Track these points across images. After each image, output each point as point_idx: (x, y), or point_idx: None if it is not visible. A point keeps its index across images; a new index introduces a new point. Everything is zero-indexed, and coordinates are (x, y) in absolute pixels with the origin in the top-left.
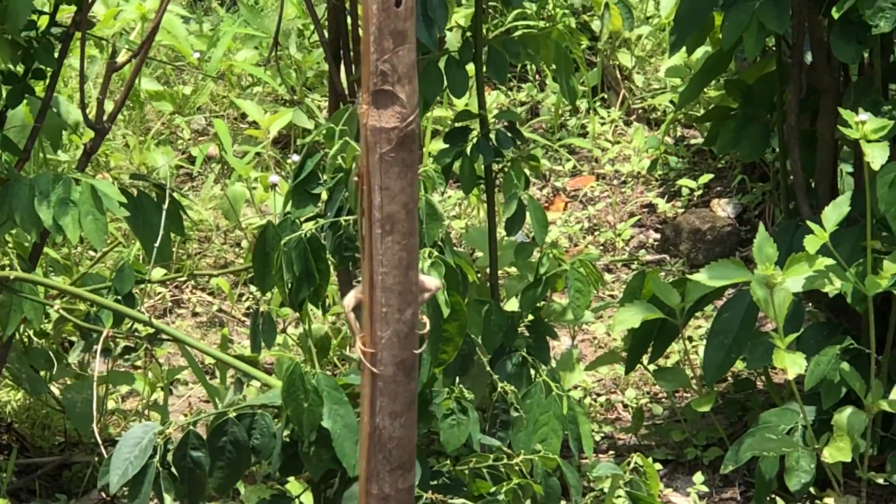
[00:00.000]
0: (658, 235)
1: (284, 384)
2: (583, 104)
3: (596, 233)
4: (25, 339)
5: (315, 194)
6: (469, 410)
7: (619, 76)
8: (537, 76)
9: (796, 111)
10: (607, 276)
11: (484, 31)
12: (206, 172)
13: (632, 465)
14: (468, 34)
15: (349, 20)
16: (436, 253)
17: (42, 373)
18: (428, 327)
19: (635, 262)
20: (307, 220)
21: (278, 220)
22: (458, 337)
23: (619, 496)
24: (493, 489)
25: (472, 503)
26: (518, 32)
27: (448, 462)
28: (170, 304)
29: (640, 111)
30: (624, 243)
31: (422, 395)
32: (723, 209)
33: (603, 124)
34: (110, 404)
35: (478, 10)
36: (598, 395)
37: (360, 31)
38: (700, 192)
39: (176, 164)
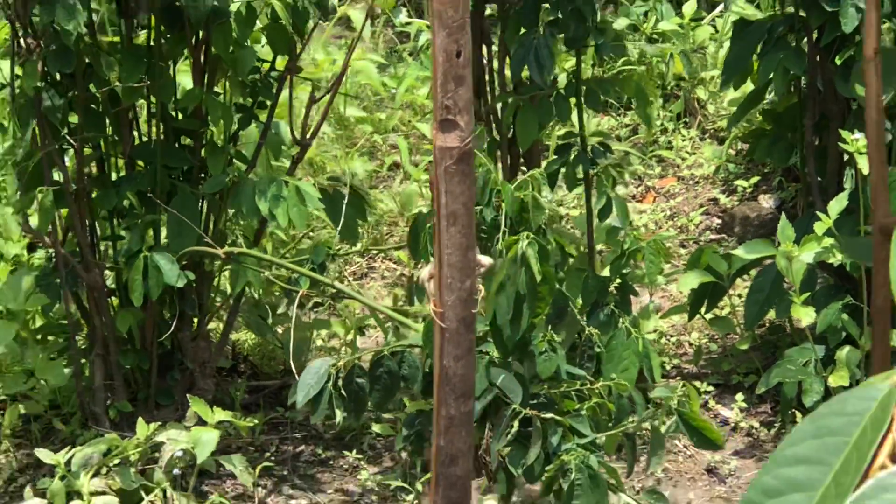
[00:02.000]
0: (719, 221)
1: (424, 330)
2: (671, 125)
3: (675, 219)
4: (255, 296)
5: None
6: (558, 349)
7: (696, 105)
8: None
9: (811, 131)
10: (681, 251)
11: (583, 73)
12: (394, 176)
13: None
14: (571, 76)
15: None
16: (532, 235)
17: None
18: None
19: (701, 240)
20: None
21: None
22: (549, 296)
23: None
24: (577, 406)
25: (560, 417)
26: (608, 74)
27: (544, 387)
28: (366, 270)
29: (712, 131)
30: (694, 227)
31: (522, 338)
32: (766, 202)
33: (684, 140)
34: (318, 342)
35: (578, 59)
36: (671, 336)
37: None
38: (750, 189)
39: (372, 169)
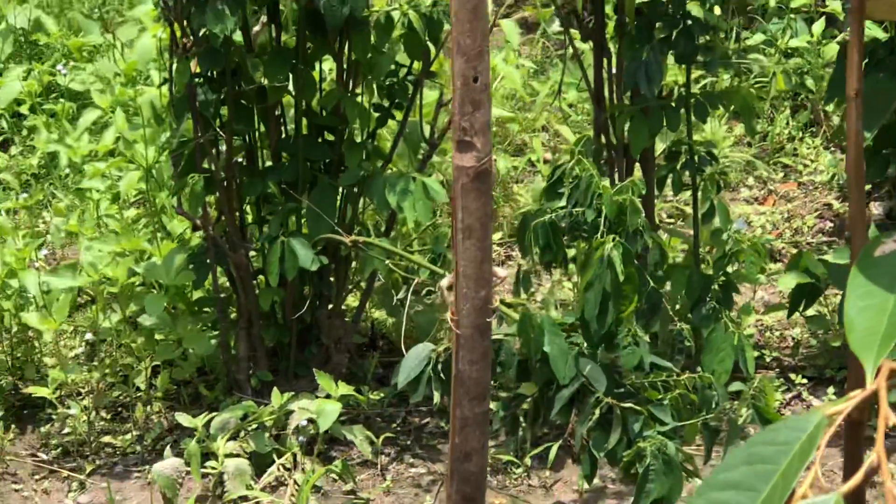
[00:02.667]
0: (831, 225)
1: (519, 321)
2: (798, 134)
3: (790, 221)
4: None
5: (560, 192)
6: (641, 342)
7: (822, 117)
8: (770, 112)
9: None
10: (794, 251)
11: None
12: (538, 171)
13: (756, 383)
14: (682, 89)
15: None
16: (617, 238)
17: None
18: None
19: (813, 242)
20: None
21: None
22: (633, 294)
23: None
24: (660, 396)
25: (641, 406)
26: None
27: (632, 377)
28: (503, 258)
29: (836, 141)
30: (808, 229)
31: (609, 332)
32: (876, 209)
33: (808, 149)
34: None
35: (688, 74)
36: (777, 330)
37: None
38: None
39: (513, 165)
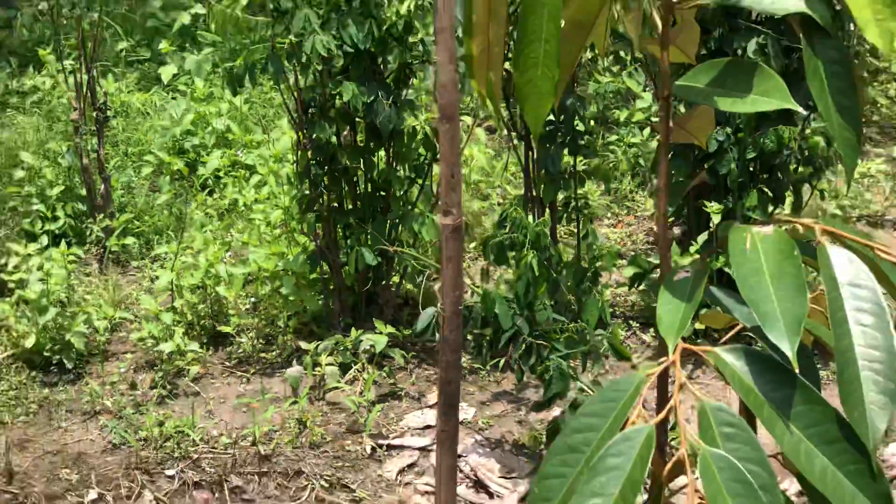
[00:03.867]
0: (652, 239)
1: (483, 296)
2: (636, 189)
3: (630, 237)
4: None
5: (505, 224)
6: (548, 307)
7: (649, 179)
8: (620, 177)
9: None
10: (632, 253)
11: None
12: (494, 210)
13: (611, 327)
14: (571, 168)
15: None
16: (536, 252)
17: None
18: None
19: (643, 249)
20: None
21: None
22: (543, 281)
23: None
24: (557, 336)
25: (547, 342)
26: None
27: (542, 327)
28: (475, 257)
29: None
30: (640, 241)
31: (530, 302)
32: (676, 230)
33: (641, 197)
34: None
35: (575, 159)
36: (622, 297)
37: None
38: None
39: (482, 206)
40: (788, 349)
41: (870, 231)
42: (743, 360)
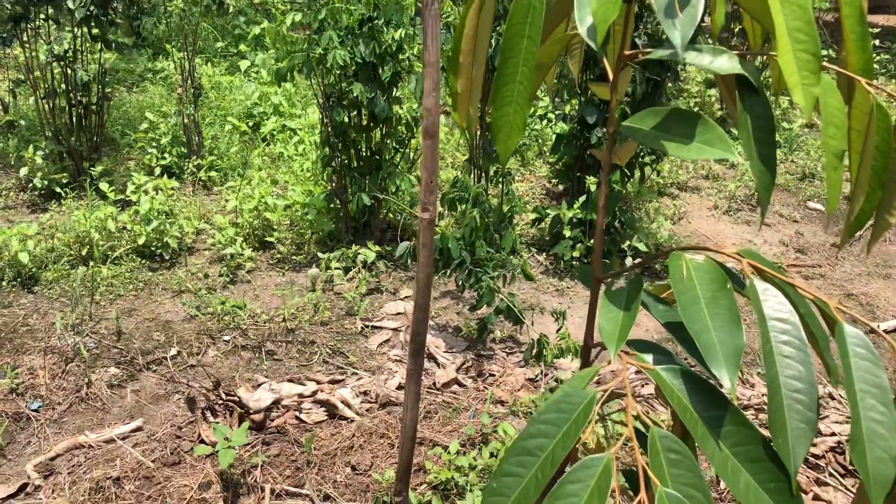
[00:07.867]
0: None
1: (441, 235)
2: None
3: (532, 190)
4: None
5: (456, 186)
6: (483, 244)
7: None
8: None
9: None
10: (536, 202)
11: None
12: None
13: (522, 254)
14: None
15: None
16: (476, 208)
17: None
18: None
19: (546, 198)
20: (454, 194)
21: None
22: (482, 227)
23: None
24: (488, 262)
25: (481, 267)
26: None
27: (480, 256)
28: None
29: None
30: (539, 192)
31: (472, 241)
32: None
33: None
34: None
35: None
36: (530, 233)
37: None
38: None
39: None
40: (727, 381)
41: (678, 194)
42: (680, 379)
